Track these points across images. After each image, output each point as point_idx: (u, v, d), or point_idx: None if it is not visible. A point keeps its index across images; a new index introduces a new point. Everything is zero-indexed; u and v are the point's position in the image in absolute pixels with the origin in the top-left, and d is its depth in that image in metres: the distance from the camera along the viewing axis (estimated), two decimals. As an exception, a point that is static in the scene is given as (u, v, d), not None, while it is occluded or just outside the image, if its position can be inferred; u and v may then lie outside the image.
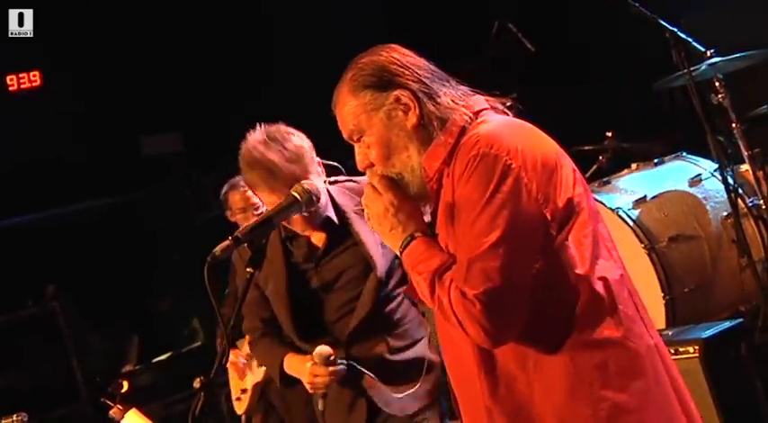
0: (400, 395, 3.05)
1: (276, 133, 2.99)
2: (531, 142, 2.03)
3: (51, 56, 7.58)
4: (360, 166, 2.21)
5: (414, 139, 2.11)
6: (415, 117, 2.10)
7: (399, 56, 2.16)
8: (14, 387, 7.15)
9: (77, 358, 7.37)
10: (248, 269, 2.27)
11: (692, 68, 4.60)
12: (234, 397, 5.04)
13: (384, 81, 2.12)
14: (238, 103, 8.22)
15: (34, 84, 7.54)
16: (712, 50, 4.82)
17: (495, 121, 2.10)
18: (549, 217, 1.97)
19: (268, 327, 3.20)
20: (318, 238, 3.09)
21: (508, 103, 2.21)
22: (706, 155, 5.17)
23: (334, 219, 3.02)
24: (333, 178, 3.14)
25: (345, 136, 2.22)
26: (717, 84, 4.89)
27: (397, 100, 2.10)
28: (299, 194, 2.60)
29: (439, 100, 2.11)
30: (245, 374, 4.90)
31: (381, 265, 3.00)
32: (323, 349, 2.93)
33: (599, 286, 1.99)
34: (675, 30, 4.51)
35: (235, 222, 4.93)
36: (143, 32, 7.87)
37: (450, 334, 2.13)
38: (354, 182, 3.15)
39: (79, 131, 7.98)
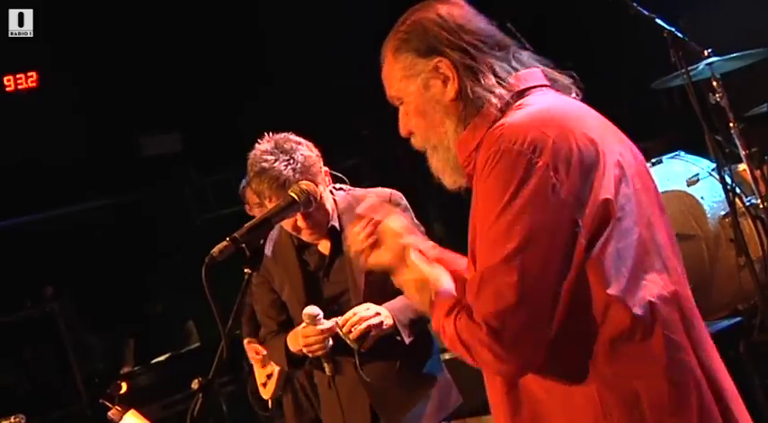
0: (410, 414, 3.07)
1: (284, 143, 3.01)
2: (569, 133, 1.73)
3: (49, 56, 7.58)
4: (402, 132, 1.99)
5: (451, 115, 1.88)
6: (453, 90, 1.86)
7: (450, 16, 1.88)
8: (13, 388, 7.14)
9: (76, 359, 7.36)
10: (246, 270, 2.27)
11: (689, 68, 4.60)
12: (259, 383, 5.05)
13: (426, 45, 1.87)
14: (238, 104, 8.23)
15: (32, 84, 7.54)
16: (710, 50, 4.83)
17: (532, 107, 1.81)
18: (581, 224, 1.67)
19: (282, 329, 3.24)
20: (325, 247, 3.15)
21: (564, 82, 1.95)
22: (704, 154, 5.17)
23: (338, 227, 3.08)
24: (339, 185, 3.18)
25: (389, 97, 2.00)
26: (714, 83, 4.90)
27: (436, 69, 1.86)
28: (296, 195, 2.61)
29: (482, 75, 1.84)
30: (267, 362, 4.93)
31: (359, 287, 3.06)
32: (310, 309, 2.97)
33: (637, 308, 1.69)
34: (673, 29, 4.51)
35: (253, 216, 4.99)
36: (142, 33, 7.86)
37: None
38: (361, 191, 3.20)
39: (78, 132, 7.97)
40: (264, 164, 2.97)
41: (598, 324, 1.70)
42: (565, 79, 1.95)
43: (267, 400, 4.92)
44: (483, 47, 1.87)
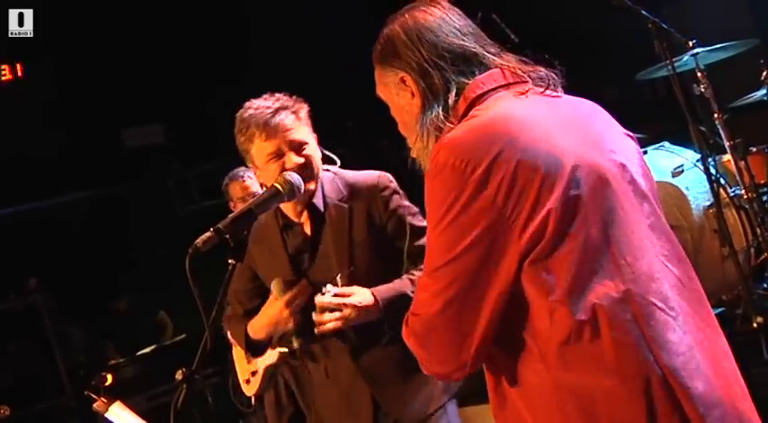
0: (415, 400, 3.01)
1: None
2: (510, 145, 1.72)
3: (31, 48, 7.52)
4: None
5: (419, 123, 1.94)
6: (418, 104, 1.94)
7: (415, 29, 1.94)
8: (-4, 380, 7.11)
9: (60, 351, 7.33)
10: (230, 261, 2.27)
11: (674, 59, 4.61)
12: (242, 380, 5.04)
13: (392, 58, 1.97)
14: (221, 95, 8.20)
15: (14, 76, 7.49)
16: (694, 41, 4.84)
17: (478, 118, 1.82)
18: (515, 233, 1.69)
19: (248, 316, 3.19)
20: (308, 228, 3.08)
21: (539, 75, 1.95)
22: (688, 145, 5.19)
23: (320, 207, 3.01)
24: (326, 167, 3.10)
25: None
26: (699, 74, 4.92)
27: (403, 81, 1.95)
28: (281, 186, 2.61)
29: (440, 83, 1.89)
30: (251, 359, 4.93)
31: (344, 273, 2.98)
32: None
33: (581, 313, 1.68)
34: (657, 20, 4.51)
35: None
36: (124, 25, 7.82)
37: None
38: (350, 173, 3.13)
39: (60, 124, 7.93)
40: (276, 104, 2.93)
41: (545, 330, 1.71)
42: (539, 72, 1.96)
43: (250, 397, 4.92)
44: (440, 62, 1.91)
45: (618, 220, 1.76)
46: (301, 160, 2.89)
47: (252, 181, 5.06)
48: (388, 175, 3.10)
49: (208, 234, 2.23)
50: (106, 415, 3.63)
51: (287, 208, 3.03)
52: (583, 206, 1.72)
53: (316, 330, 2.86)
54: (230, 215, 2.32)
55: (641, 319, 1.70)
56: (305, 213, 3.04)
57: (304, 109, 2.98)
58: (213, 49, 8.15)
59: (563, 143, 1.77)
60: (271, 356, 4.81)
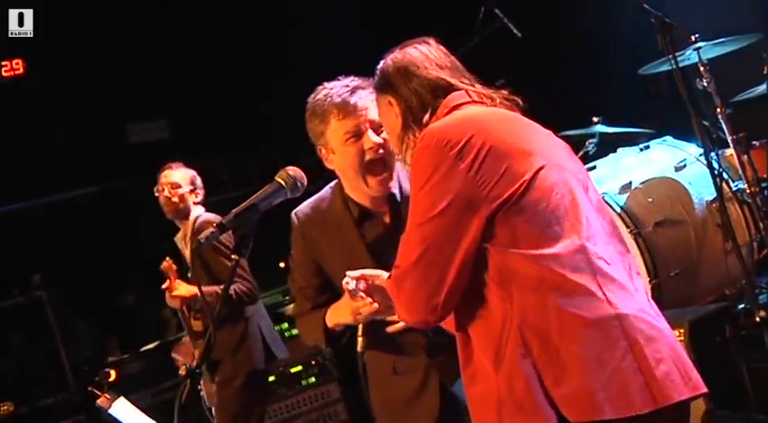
0: None
1: None
2: (481, 131, 2.12)
3: (36, 43, 7.54)
4: None
5: (402, 139, 2.36)
6: (399, 123, 2.35)
7: (404, 58, 2.38)
8: (1, 376, 7.13)
9: (64, 347, 7.35)
10: (233, 256, 2.26)
11: (677, 53, 4.60)
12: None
13: (385, 85, 2.40)
14: (225, 91, 8.21)
15: (18, 71, 7.50)
16: (697, 35, 4.83)
17: (452, 116, 2.25)
18: (485, 199, 2.06)
19: (316, 309, 3.02)
20: (387, 215, 2.96)
21: (499, 96, 2.35)
22: (691, 139, 5.18)
23: (398, 196, 2.90)
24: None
25: None
26: (702, 68, 4.91)
27: (389, 104, 2.38)
28: (283, 180, 2.57)
29: (419, 106, 2.32)
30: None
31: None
32: (347, 279, 2.73)
33: (545, 261, 2.04)
34: (661, 14, 4.51)
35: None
36: (129, 20, 7.83)
37: None
38: None
39: (65, 119, 7.95)
40: (353, 83, 2.84)
41: (511, 278, 2.06)
42: (492, 94, 2.35)
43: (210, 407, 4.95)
44: (420, 90, 2.33)
45: (573, 198, 2.15)
46: (381, 140, 2.82)
47: (180, 172, 5.06)
48: None
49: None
50: (110, 411, 3.64)
51: (362, 198, 2.93)
52: (544, 184, 2.11)
53: (388, 329, 2.77)
54: (233, 210, 2.32)
55: (593, 267, 2.07)
56: (384, 204, 2.93)
57: None
58: (219, 45, 8.16)
59: (525, 138, 2.20)
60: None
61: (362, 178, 2.84)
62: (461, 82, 2.35)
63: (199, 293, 4.59)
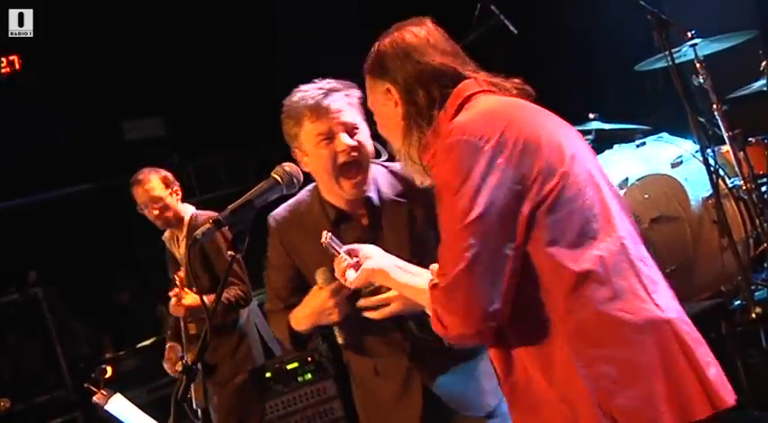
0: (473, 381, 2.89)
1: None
2: (512, 124, 2.00)
3: (32, 41, 7.52)
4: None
5: (401, 130, 2.21)
6: (400, 112, 2.20)
7: (403, 46, 2.21)
8: (-3, 373, 7.13)
9: (61, 344, 7.34)
10: (230, 252, 2.25)
11: (673, 50, 4.60)
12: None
13: (382, 70, 2.23)
14: (221, 88, 8.20)
15: (14, 68, 7.49)
16: (693, 32, 4.83)
17: (478, 107, 2.09)
18: (524, 196, 1.94)
19: (289, 310, 2.99)
20: (365, 218, 2.93)
21: (510, 85, 2.21)
22: (687, 136, 5.18)
23: (375, 201, 2.88)
24: (375, 161, 2.93)
25: None
26: (698, 65, 4.91)
27: (387, 91, 2.22)
28: (279, 177, 2.56)
29: (424, 97, 2.16)
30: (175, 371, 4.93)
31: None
32: (323, 269, 2.76)
33: (588, 262, 1.93)
34: (657, 11, 4.51)
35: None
36: (125, 17, 7.82)
37: None
38: (398, 165, 2.89)
39: (61, 116, 7.94)
40: (327, 86, 2.81)
41: (554, 282, 1.94)
42: (507, 84, 2.21)
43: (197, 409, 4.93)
44: (425, 78, 2.17)
45: (602, 193, 2.05)
46: (354, 143, 2.78)
47: (153, 184, 4.82)
48: None
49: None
50: (106, 407, 3.63)
51: (338, 201, 2.90)
52: (578, 179, 2.00)
53: (366, 313, 2.68)
54: (229, 206, 2.31)
55: (635, 267, 1.99)
56: (361, 206, 2.90)
57: (357, 93, 2.83)
58: (215, 42, 8.15)
59: (551, 128, 2.08)
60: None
61: (336, 181, 2.81)
62: (467, 70, 2.21)
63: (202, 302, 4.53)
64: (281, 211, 3.02)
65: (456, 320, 1.94)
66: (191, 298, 4.51)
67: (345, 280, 2.51)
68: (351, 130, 2.79)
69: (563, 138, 2.06)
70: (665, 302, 1.98)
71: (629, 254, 1.99)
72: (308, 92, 2.81)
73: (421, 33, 2.23)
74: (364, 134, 2.83)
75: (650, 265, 2.03)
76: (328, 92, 2.80)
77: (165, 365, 5.00)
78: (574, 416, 1.93)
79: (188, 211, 4.89)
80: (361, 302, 2.68)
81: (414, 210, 2.78)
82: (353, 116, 2.81)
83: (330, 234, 2.57)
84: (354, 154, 2.78)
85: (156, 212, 4.79)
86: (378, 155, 2.92)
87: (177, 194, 4.88)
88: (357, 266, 2.50)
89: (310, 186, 2.99)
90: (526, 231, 1.94)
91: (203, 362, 4.83)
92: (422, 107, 2.16)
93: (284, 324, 2.97)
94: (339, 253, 2.54)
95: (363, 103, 2.80)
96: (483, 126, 1.99)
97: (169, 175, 4.92)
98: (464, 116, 2.07)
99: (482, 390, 2.92)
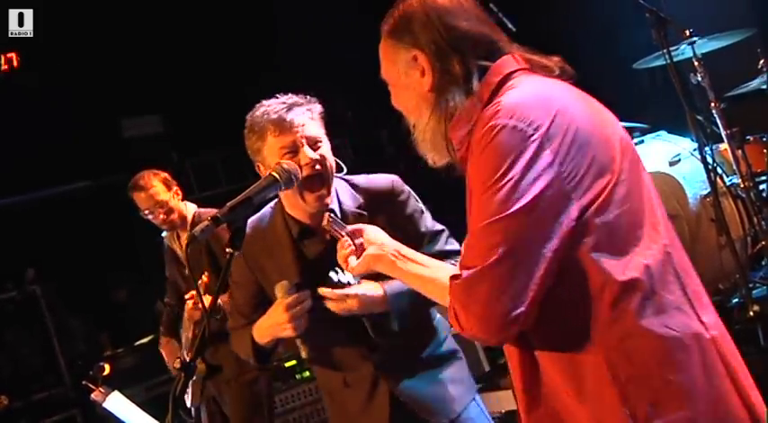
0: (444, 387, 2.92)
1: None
2: (563, 110, 1.80)
3: (31, 38, 7.51)
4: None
5: (427, 102, 1.97)
6: (429, 83, 1.96)
7: (435, 11, 1.95)
8: (-5, 371, 7.13)
9: (59, 341, 7.34)
10: (228, 249, 2.25)
11: (671, 48, 4.60)
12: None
13: (408, 36, 1.98)
14: (219, 86, 8.20)
15: (12, 66, 7.48)
16: (691, 30, 4.83)
17: (524, 87, 1.87)
18: (574, 195, 1.74)
19: (251, 325, 3.01)
20: (328, 233, 2.86)
21: (551, 63, 2.00)
22: (685, 134, 5.19)
23: (337, 213, 2.87)
24: (339, 175, 2.96)
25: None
26: (696, 63, 4.91)
27: (414, 59, 1.97)
28: (278, 174, 2.57)
29: (460, 66, 1.92)
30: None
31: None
32: (282, 283, 2.79)
33: (634, 271, 1.75)
34: (655, 9, 4.51)
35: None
36: (124, 14, 7.81)
37: None
38: (361, 178, 3.00)
39: (60, 113, 7.93)
40: (289, 100, 2.82)
41: (596, 290, 1.75)
42: (547, 62, 1.99)
43: (190, 408, 4.91)
44: (461, 46, 1.93)
45: (646, 194, 1.87)
46: (317, 156, 2.77)
47: (156, 188, 4.78)
48: (398, 178, 2.97)
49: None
50: (104, 405, 3.63)
51: (302, 215, 2.90)
52: (625, 175, 1.82)
53: (326, 303, 2.71)
54: (228, 203, 2.31)
55: (680, 280, 1.82)
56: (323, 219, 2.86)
57: (318, 108, 2.86)
58: (213, 39, 8.14)
59: (599, 117, 1.89)
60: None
61: (300, 194, 2.80)
62: (503, 41, 1.98)
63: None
64: None
65: (472, 320, 1.74)
66: (208, 301, 4.46)
67: (347, 266, 2.35)
68: (314, 143, 2.80)
69: (612, 130, 1.88)
70: (710, 319, 1.83)
71: (674, 264, 1.83)
72: (270, 106, 2.82)
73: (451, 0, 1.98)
74: (326, 147, 2.84)
75: (693, 276, 1.87)
76: (291, 106, 2.80)
77: (166, 355, 4.99)
78: None
79: (191, 209, 4.87)
80: (323, 290, 2.69)
81: (375, 221, 2.72)
82: (316, 130, 2.82)
83: (332, 215, 2.55)
84: (318, 167, 2.78)
85: (163, 217, 4.76)
86: (339, 169, 2.94)
87: (178, 195, 4.86)
88: (361, 251, 2.34)
89: (273, 202, 3.00)
90: (571, 233, 1.73)
91: (206, 362, 4.85)
92: (457, 78, 1.92)
93: (247, 339, 2.99)
94: (342, 236, 2.44)
95: (324, 117, 2.88)
96: (533, 110, 1.77)
97: (167, 175, 4.89)
98: (511, 97, 1.83)
99: (448, 396, 2.95)
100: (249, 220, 2.95)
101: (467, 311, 1.75)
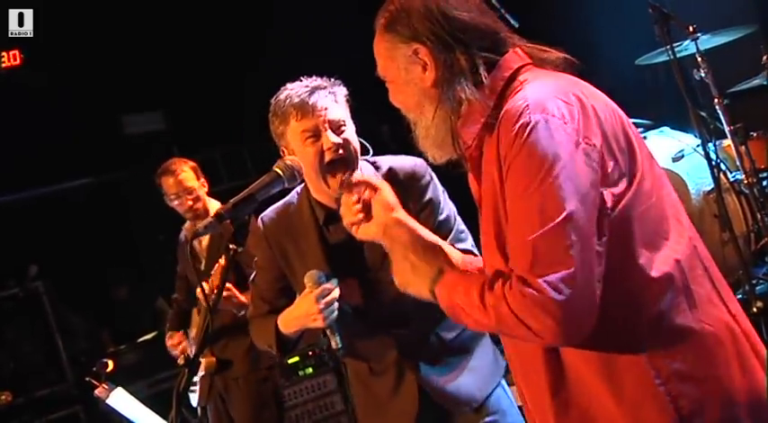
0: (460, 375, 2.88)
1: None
2: (586, 104, 1.76)
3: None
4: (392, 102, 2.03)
5: (429, 98, 1.91)
6: (431, 78, 1.88)
7: (435, 3, 1.88)
8: (-2, 367, 7.14)
9: (62, 338, 7.35)
10: (231, 246, 2.25)
11: (674, 44, 4.60)
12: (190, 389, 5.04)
13: (408, 30, 1.89)
14: (222, 82, 8.19)
15: (14, 62, 7.47)
16: (695, 26, 4.83)
17: (541, 81, 1.83)
18: (609, 189, 1.71)
19: (273, 313, 2.98)
20: None
21: (555, 56, 1.94)
22: (689, 130, 5.18)
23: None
24: (364, 157, 2.92)
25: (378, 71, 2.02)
26: (699, 59, 4.90)
27: (415, 54, 1.89)
28: (281, 170, 2.55)
29: (465, 59, 1.85)
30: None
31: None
32: (312, 272, 2.75)
33: (666, 266, 1.73)
34: (659, 4, 4.50)
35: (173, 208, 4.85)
36: (125, 11, 7.80)
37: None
38: (386, 159, 2.95)
39: (61, 110, 7.92)
40: (313, 84, 2.79)
41: (636, 285, 1.72)
42: (551, 55, 1.94)
43: (196, 408, 4.89)
44: (464, 37, 1.86)
45: (665, 187, 1.85)
46: (339, 140, 2.74)
47: (186, 174, 4.77)
48: (424, 162, 2.87)
49: (208, 219, 2.22)
50: (107, 401, 3.64)
51: (327, 199, 2.86)
52: (647, 168, 1.79)
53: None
54: (231, 200, 2.31)
55: (708, 273, 1.81)
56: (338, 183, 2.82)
57: (342, 91, 2.83)
58: (215, 35, 8.13)
59: (616, 111, 1.84)
60: (201, 366, 4.76)
61: (323, 178, 2.79)
62: (505, 32, 1.93)
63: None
64: (269, 213, 3.02)
65: (561, 325, 1.63)
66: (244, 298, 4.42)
67: (351, 226, 2.16)
68: (337, 127, 2.78)
69: (627, 124, 1.84)
70: (736, 308, 1.82)
71: (700, 256, 1.81)
72: (293, 90, 2.81)
73: None
74: (351, 131, 2.82)
75: (715, 265, 1.85)
76: (314, 90, 2.79)
77: (173, 347, 4.97)
78: None
79: (214, 206, 4.80)
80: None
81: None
82: (339, 113, 2.80)
83: (349, 175, 2.54)
84: (341, 151, 2.76)
85: (190, 203, 4.73)
86: (365, 151, 2.91)
87: (205, 187, 4.85)
88: (368, 215, 2.11)
89: (299, 187, 2.98)
90: (610, 227, 1.69)
91: (216, 357, 4.81)
92: (463, 71, 1.85)
93: (269, 328, 2.94)
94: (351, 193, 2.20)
95: (349, 100, 2.85)
96: (562, 104, 1.72)
97: (197, 165, 4.88)
98: (533, 91, 1.78)
99: (472, 384, 2.91)
100: (275, 207, 2.99)
101: (552, 319, 1.63)
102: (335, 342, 2.77)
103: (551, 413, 1.82)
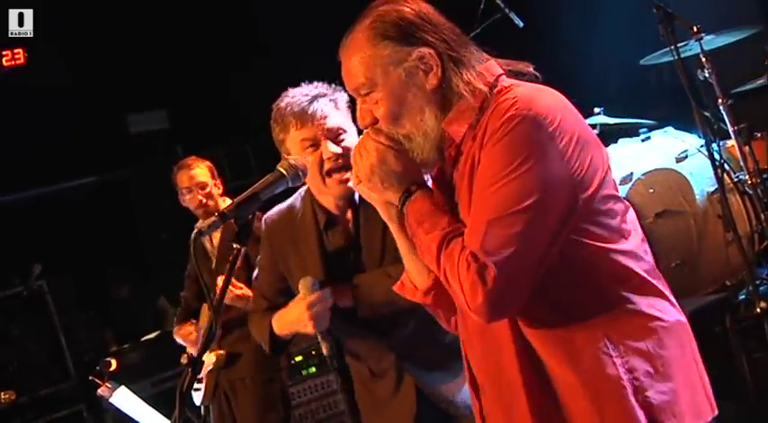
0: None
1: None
2: (565, 109, 1.90)
3: (36, 33, 7.53)
4: (361, 123, 2.07)
5: (431, 102, 1.97)
6: (435, 79, 1.96)
7: (425, 10, 1.99)
8: (2, 365, 7.13)
9: (65, 337, 7.35)
10: (235, 246, 2.25)
11: (679, 44, 4.60)
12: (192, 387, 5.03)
13: (408, 35, 1.96)
14: (226, 81, 8.20)
15: (18, 61, 7.49)
16: (699, 26, 4.83)
17: (526, 85, 1.96)
18: (580, 186, 1.85)
19: (272, 311, 3.02)
20: (351, 224, 2.93)
21: (522, 66, 2.06)
22: (693, 130, 5.18)
23: (357, 201, 2.86)
24: None
25: (350, 88, 2.06)
26: (703, 59, 4.90)
27: (420, 58, 1.95)
28: (285, 170, 2.55)
29: (463, 63, 1.96)
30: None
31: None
32: (306, 279, 2.80)
33: (628, 260, 1.92)
34: (663, 5, 4.50)
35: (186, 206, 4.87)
36: (129, 9, 7.81)
37: (481, 329, 2.01)
38: None
39: (65, 109, 7.93)
40: (313, 91, 2.81)
41: (603, 275, 1.90)
42: (521, 67, 2.06)
43: (199, 406, 4.89)
44: (458, 40, 2.00)
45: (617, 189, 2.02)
46: (339, 150, 2.77)
47: (200, 170, 4.83)
48: None
49: (212, 218, 2.22)
50: (111, 400, 3.65)
51: (328, 202, 2.89)
52: (609, 173, 1.95)
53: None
54: (235, 199, 2.31)
55: (657, 269, 2.01)
56: (348, 209, 2.90)
57: (344, 97, 2.83)
58: (219, 34, 8.14)
59: (584, 120, 1.98)
60: (208, 360, 4.74)
61: (322, 180, 2.82)
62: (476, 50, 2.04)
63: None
64: (273, 214, 3.04)
65: (489, 303, 1.80)
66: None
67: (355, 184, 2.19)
68: (336, 135, 2.80)
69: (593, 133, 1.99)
70: (677, 305, 2.01)
71: (648, 252, 1.99)
72: (294, 98, 2.82)
73: (432, 9, 2.02)
74: (352, 137, 2.82)
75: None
76: (314, 98, 2.80)
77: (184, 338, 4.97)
78: (598, 404, 1.88)
79: (226, 203, 4.81)
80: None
81: None
82: (339, 120, 2.82)
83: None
84: (340, 161, 2.78)
85: (201, 198, 4.76)
86: None
87: (219, 188, 4.87)
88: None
89: (302, 190, 3.00)
90: (576, 220, 1.85)
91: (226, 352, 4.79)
92: (461, 74, 1.96)
93: (265, 326, 3.00)
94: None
95: (350, 106, 2.84)
96: (546, 104, 1.86)
97: (212, 166, 4.93)
98: (523, 91, 1.91)
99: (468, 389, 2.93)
100: (279, 208, 3.02)
101: (480, 293, 1.79)
102: (326, 348, 2.82)
103: (522, 391, 1.95)
